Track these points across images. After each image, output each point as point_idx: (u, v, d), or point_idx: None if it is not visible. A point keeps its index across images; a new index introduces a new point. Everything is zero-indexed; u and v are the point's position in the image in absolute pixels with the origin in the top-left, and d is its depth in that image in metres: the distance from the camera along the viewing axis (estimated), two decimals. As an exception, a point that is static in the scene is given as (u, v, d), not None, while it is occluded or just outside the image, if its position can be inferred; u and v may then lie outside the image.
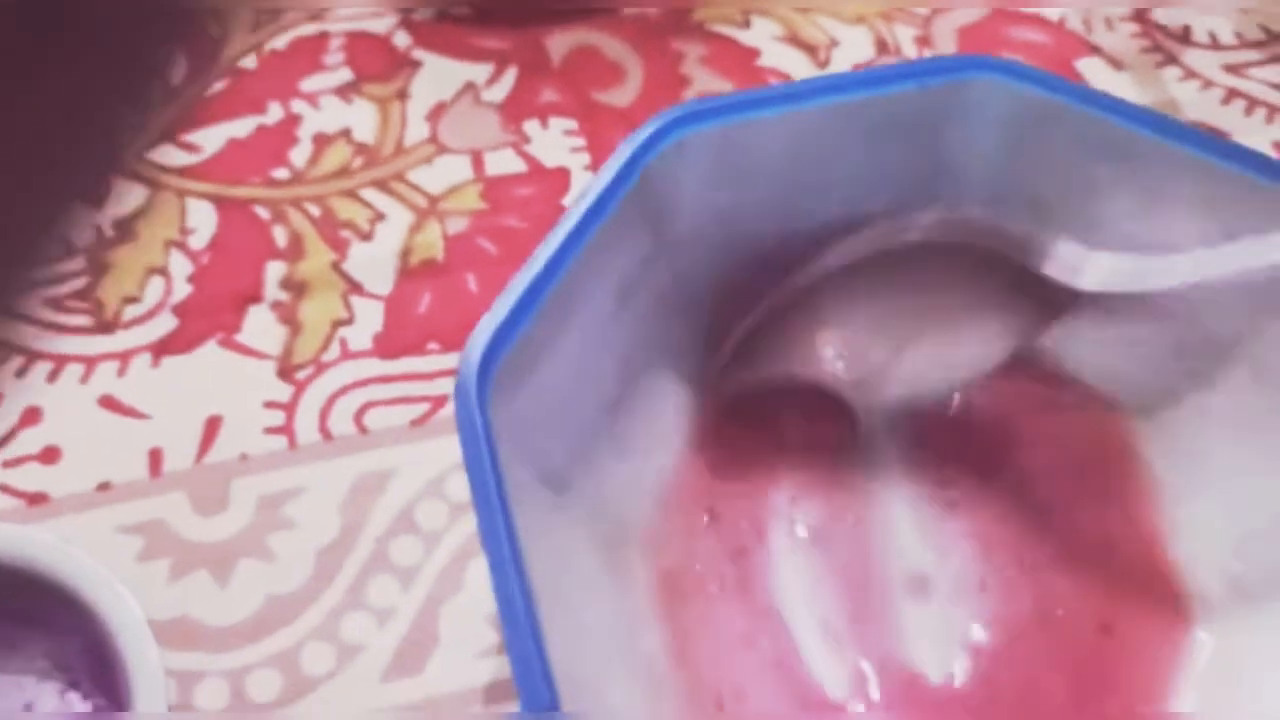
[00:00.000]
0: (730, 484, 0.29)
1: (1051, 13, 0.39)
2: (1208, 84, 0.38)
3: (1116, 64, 0.38)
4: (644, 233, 0.25)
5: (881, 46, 0.38)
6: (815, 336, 0.29)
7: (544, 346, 0.23)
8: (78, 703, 0.27)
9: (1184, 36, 0.39)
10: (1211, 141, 0.25)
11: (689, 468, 0.29)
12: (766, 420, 0.29)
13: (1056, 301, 0.27)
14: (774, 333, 0.29)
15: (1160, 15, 0.39)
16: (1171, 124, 0.25)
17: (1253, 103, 0.38)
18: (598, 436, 0.26)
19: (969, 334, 0.29)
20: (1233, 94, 0.38)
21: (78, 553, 0.26)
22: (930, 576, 0.28)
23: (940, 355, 0.29)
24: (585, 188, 0.24)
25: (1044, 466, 0.30)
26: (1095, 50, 0.38)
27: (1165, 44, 0.39)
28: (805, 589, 0.28)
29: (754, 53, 0.38)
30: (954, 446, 0.30)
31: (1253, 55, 0.39)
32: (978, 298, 0.28)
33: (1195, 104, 0.37)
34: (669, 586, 0.27)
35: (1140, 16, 0.39)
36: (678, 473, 0.28)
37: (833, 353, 0.29)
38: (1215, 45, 0.39)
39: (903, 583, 0.28)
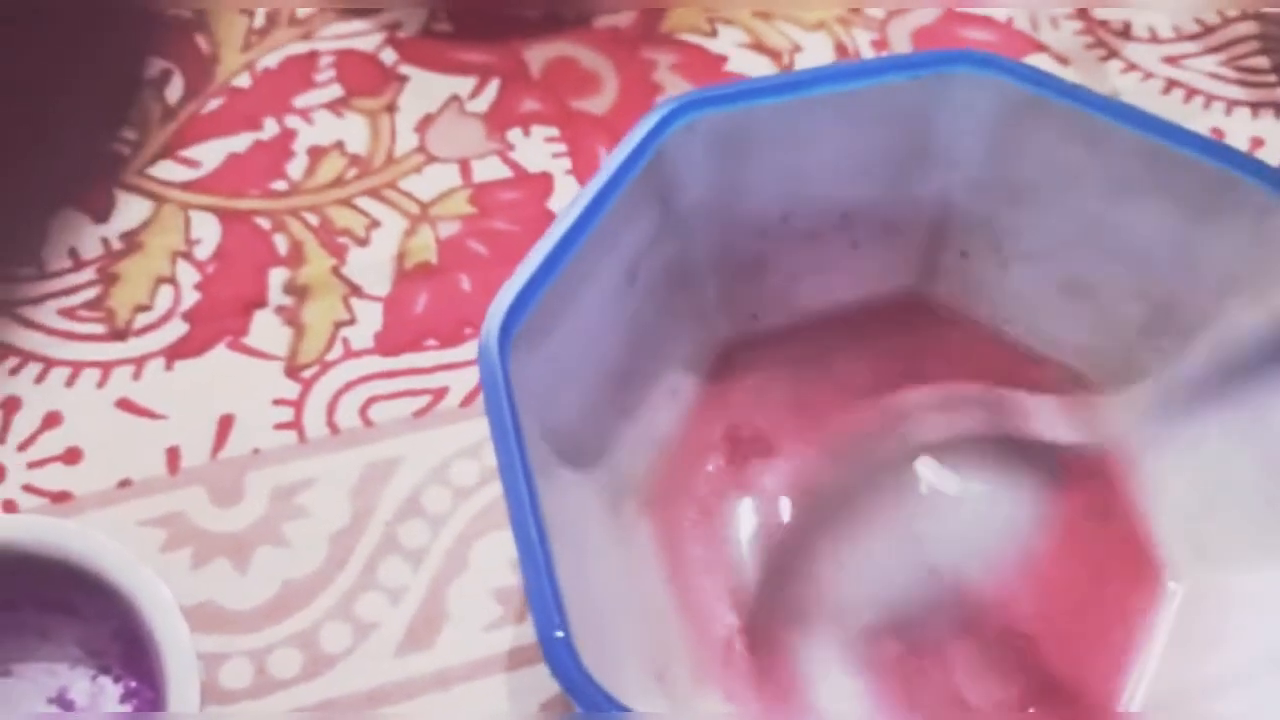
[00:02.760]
0: (725, 446, 0.31)
1: (999, 13, 0.41)
2: (1148, 75, 0.40)
3: (1062, 60, 0.40)
4: (654, 209, 0.27)
5: (841, 50, 0.40)
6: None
7: (559, 314, 0.25)
8: (110, 686, 0.29)
9: (1125, 31, 0.41)
10: (1181, 133, 0.27)
11: (689, 432, 0.31)
12: (758, 394, 0.32)
13: None
14: None
15: (1102, 12, 0.41)
16: (1144, 116, 0.27)
17: (1190, 91, 0.40)
18: (606, 404, 0.28)
19: None
20: (1172, 84, 0.40)
21: (105, 540, 0.27)
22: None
23: None
24: (604, 162, 0.26)
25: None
26: (1042, 47, 0.41)
27: (1107, 39, 0.41)
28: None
29: (721, 59, 0.40)
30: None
31: (1190, 47, 0.41)
32: None
33: (1136, 94, 0.40)
34: (667, 536, 0.29)
35: (1083, 14, 0.41)
36: (678, 435, 0.31)
37: None
38: (1154, 39, 0.41)
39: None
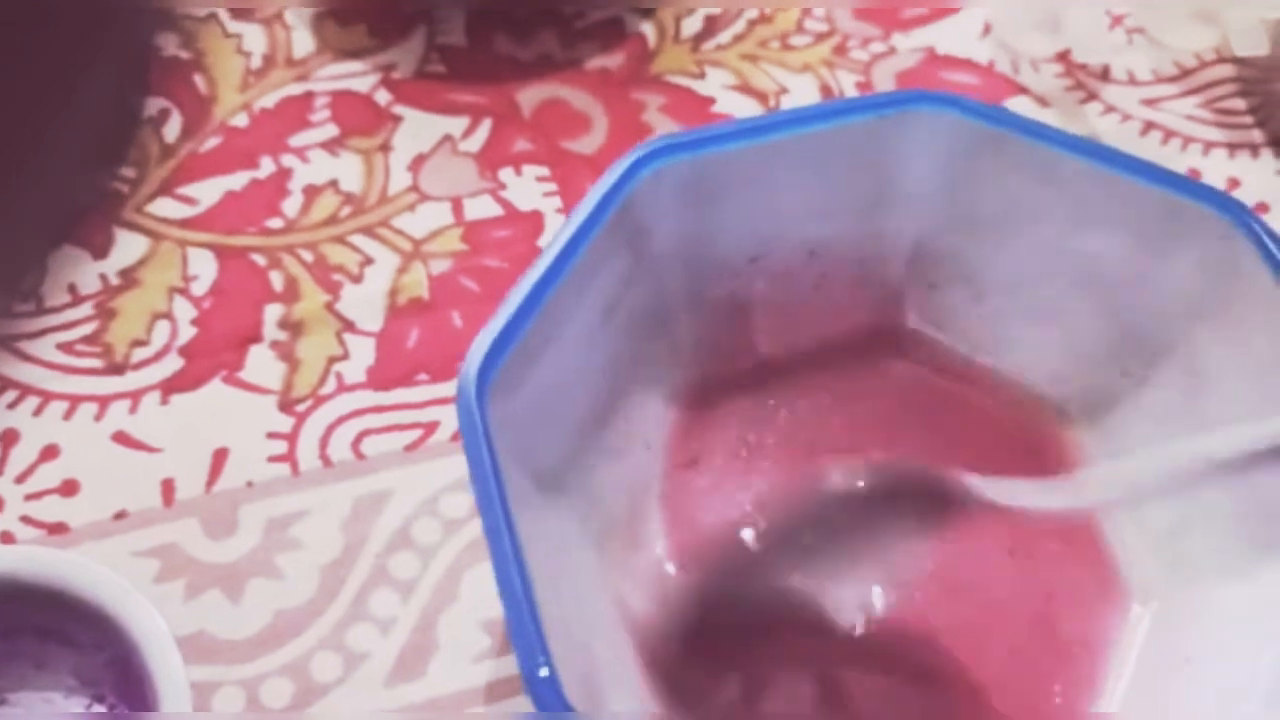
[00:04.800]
0: (706, 485, 0.31)
1: (981, 56, 0.42)
2: (1127, 117, 0.41)
3: (1043, 102, 0.41)
4: (625, 254, 0.28)
5: (826, 92, 0.41)
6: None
7: (536, 357, 0.26)
8: (104, 715, 0.29)
9: (1104, 74, 0.42)
10: (1135, 163, 0.28)
11: (668, 471, 0.31)
12: (735, 427, 0.32)
13: None
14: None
15: (1081, 55, 0.42)
16: (1100, 148, 0.28)
17: (1168, 133, 0.41)
18: (586, 441, 0.29)
19: None
20: (1150, 125, 0.41)
21: (102, 569, 0.28)
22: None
23: None
24: (574, 212, 0.26)
25: (990, 463, 0.32)
26: (1023, 90, 0.42)
27: (1087, 82, 0.42)
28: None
29: (709, 101, 0.41)
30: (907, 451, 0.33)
31: (1168, 89, 0.42)
32: None
33: (1116, 136, 0.41)
34: (656, 577, 0.30)
35: (1063, 57, 0.42)
36: (659, 474, 0.31)
37: None
38: (1133, 81, 0.42)
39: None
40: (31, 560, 0.28)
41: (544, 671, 0.22)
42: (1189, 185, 0.28)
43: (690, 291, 0.31)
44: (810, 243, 0.31)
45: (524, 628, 0.22)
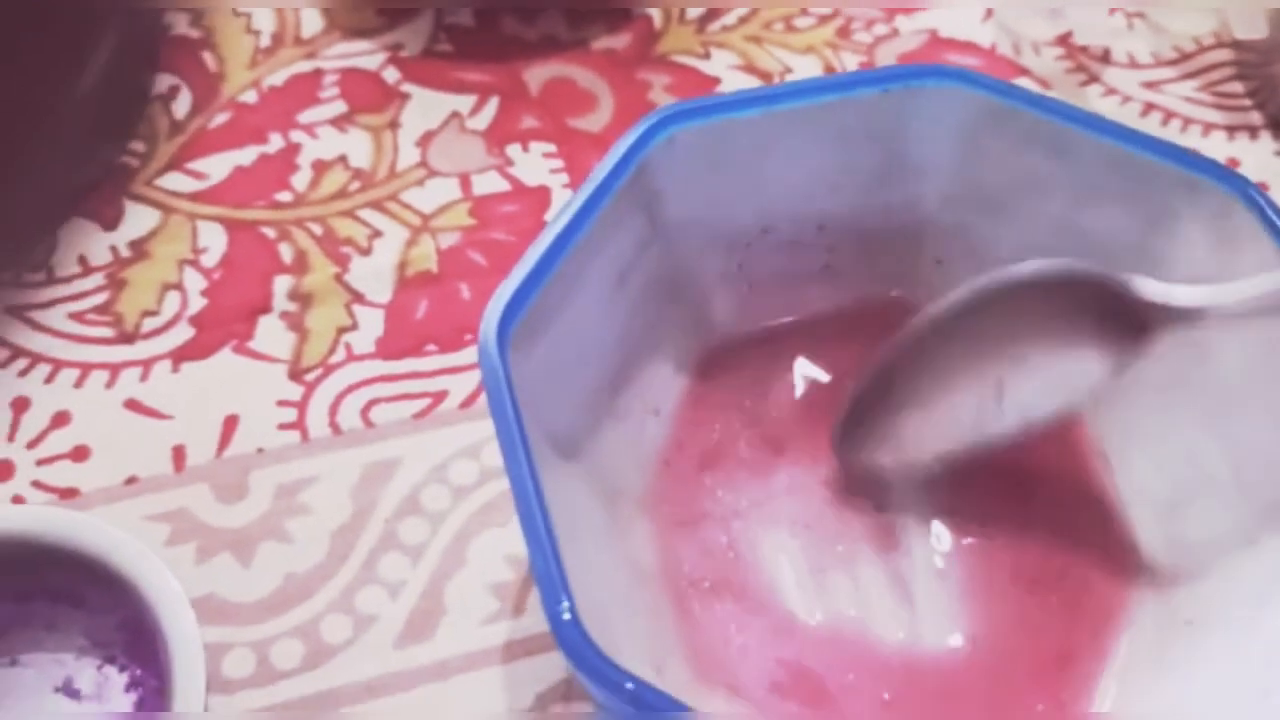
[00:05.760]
0: (714, 452, 0.32)
1: (983, 39, 0.42)
2: (1127, 99, 0.42)
3: (1045, 84, 0.42)
4: (640, 219, 0.28)
5: (830, 72, 0.41)
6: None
7: (552, 317, 0.26)
8: (115, 675, 0.30)
9: (1105, 57, 0.43)
10: (1140, 137, 0.29)
11: (678, 438, 0.32)
12: (743, 396, 0.33)
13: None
14: None
15: (1082, 38, 0.43)
16: (1105, 123, 0.29)
17: (1169, 115, 0.41)
18: (599, 406, 0.29)
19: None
20: (1150, 107, 0.41)
21: (115, 530, 0.28)
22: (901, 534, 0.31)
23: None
24: (589, 176, 0.27)
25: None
26: (1025, 72, 0.42)
27: (1088, 64, 0.42)
28: (781, 550, 0.31)
29: (714, 81, 0.41)
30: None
31: (1168, 73, 0.42)
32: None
33: (1116, 117, 0.40)
34: (663, 537, 0.30)
35: (1064, 40, 0.43)
36: (668, 441, 0.31)
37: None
38: (1133, 64, 0.42)
39: (876, 542, 0.31)
40: (44, 520, 0.28)
41: (566, 614, 0.22)
42: (1193, 159, 0.28)
43: (702, 261, 0.31)
44: (819, 215, 0.31)
45: (548, 568, 0.23)
